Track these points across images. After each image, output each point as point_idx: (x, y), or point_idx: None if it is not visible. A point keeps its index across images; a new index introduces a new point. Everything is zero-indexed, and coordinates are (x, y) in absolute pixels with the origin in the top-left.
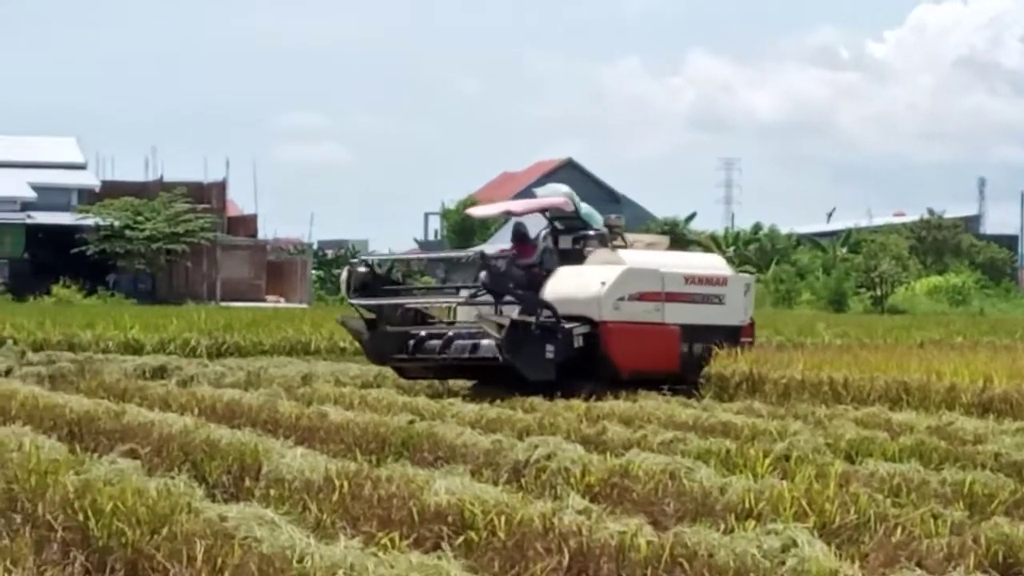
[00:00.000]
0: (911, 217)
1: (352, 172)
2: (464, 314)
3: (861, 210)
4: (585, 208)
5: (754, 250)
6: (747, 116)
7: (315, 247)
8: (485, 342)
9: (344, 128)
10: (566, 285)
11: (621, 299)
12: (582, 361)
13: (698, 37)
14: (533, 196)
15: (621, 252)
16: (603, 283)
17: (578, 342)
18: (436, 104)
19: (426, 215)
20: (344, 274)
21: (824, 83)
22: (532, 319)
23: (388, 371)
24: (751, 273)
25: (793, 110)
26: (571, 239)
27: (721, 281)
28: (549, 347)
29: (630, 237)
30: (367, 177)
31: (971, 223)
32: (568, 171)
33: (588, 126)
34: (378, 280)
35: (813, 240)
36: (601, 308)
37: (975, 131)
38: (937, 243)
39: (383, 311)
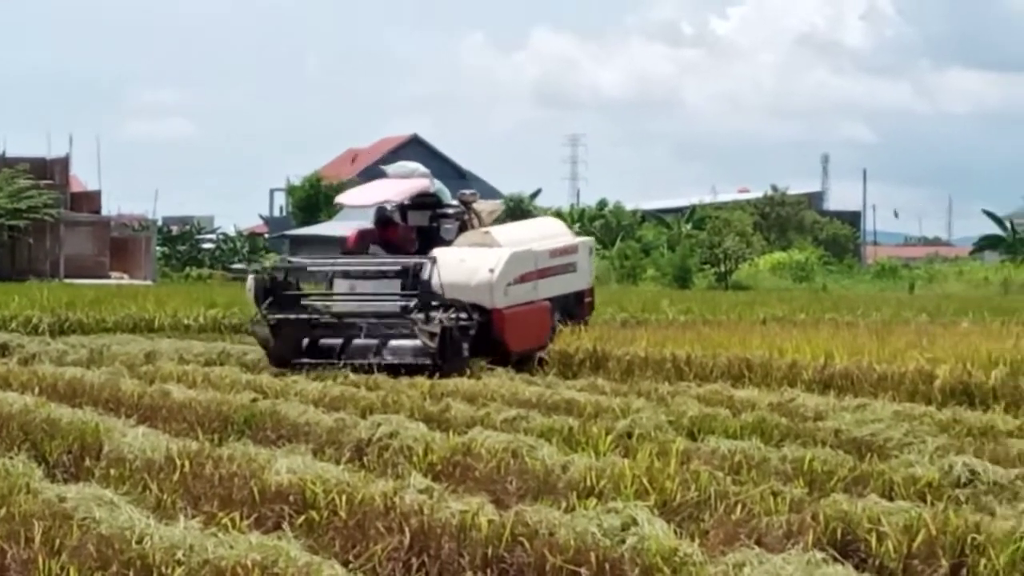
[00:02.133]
0: (755, 194)
1: (197, 148)
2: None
3: (706, 187)
4: (438, 185)
5: (599, 227)
6: (592, 93)
7: (159, 223)
8: (396, 343)
9: (189, 104)
10: (452, 272)
11: (509, 284)
12: (475, 346)
13: (542, 13)
14: (384, 175)
15: (494, 233)
16: (491, 270)
17: (474, 330)
18: (282, 80)
19: (271, 191)
20: (250, 283)
21: (668, 60)
22: (456, 322)
23: (231, 349)
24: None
25: (638, 87)
26: (427, 217)
27: (573, 249)
28: (465, 344)
29: (476, 207)
30: (213, 153)
31: (814, 200)
32: (414, 147)
33: (433, 103)
34: (278, 286)
35: (658, 216)
36: (493, 295)
37: (818, 109)
38: (781, 219)
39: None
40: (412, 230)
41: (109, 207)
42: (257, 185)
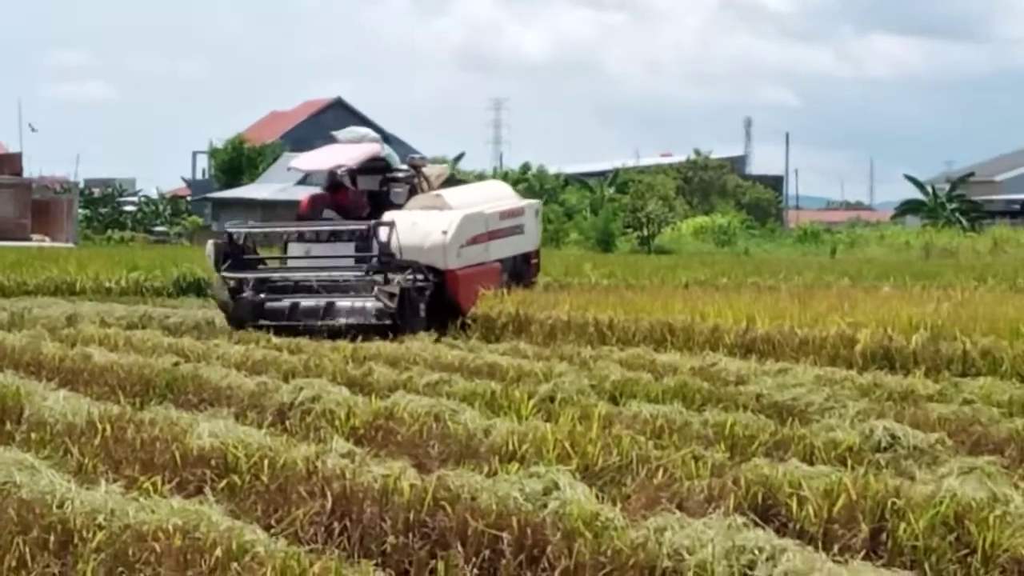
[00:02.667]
0: (678, 158)
1: (119, 111)
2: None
3: (629, 150)
4: (388, 149)
5: (523, 190)
6: (515, 56)
7: (81, 186)
8: (356, 304)
9: (111, 67)
10: (406, 234)
11: (462, 246)
12: (429, 305)
13: None
14: (333, 140)
15: (445, 196)
16: (445, 232)
17: (430, 291)
18: (204, 43)
19: (194, 154)
20: (210, 248)
21: (591, 23)
22: (414, 283)
23: (153, 312)
24: None
25: (561, 50)
26: (377, 182)
27: (521, 211)
28: (421, 304)
29: (424, 170)
30: (134, 116)
31: (737, 164)
32: (337, 110)
33: (357, 66)
34: (236, 249)
35: (581, 180)
36: (447, 257)
37: (741, 73)
38: (703, 184)
39: (241, 280)
40: (363, 194)
41: (30, 169)
42: (179, 148)
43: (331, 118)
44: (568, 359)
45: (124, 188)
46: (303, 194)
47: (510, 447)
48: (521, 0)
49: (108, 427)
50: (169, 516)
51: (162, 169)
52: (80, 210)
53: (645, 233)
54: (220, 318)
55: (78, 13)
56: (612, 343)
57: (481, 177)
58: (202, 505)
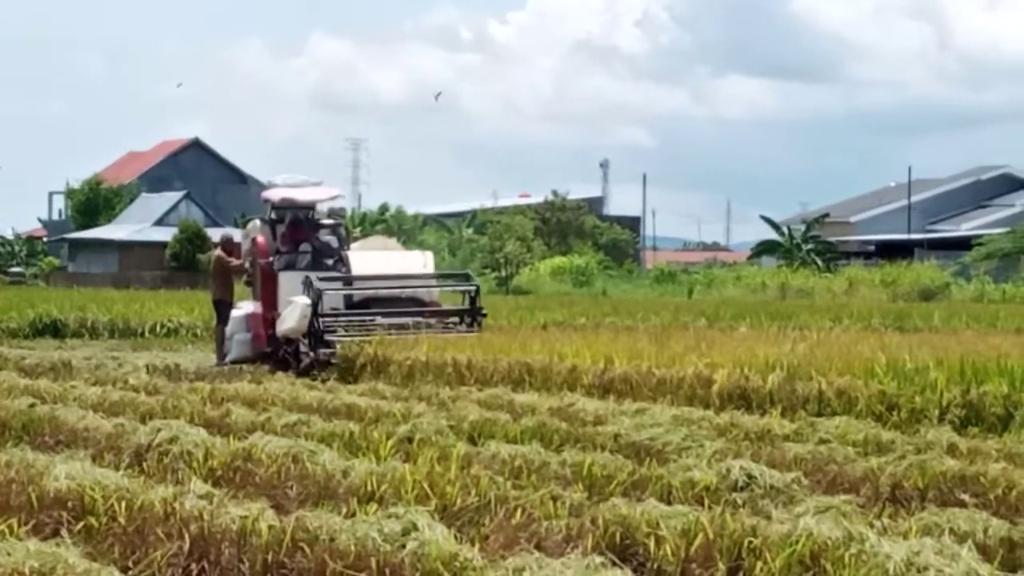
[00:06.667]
0: (536, 199)
1: None
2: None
3: (487, 192)
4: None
5: (381, 231)
6: (372, 97)
7: None
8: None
9: None
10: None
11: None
12: None
13: (319, 19)
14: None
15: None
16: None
17: None
18: (60, 82)
19: (50, 194)
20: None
21: (447, 64)
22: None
23: (9, 353)
24: None
25: (417, 91)
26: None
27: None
28: None
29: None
30: None
31: (595, 204)
32: (195, 151)
33: (212, 107)
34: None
35: (439, 221)
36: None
37: (597, 114)
38: (561, 224)
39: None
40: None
41: None
42: (36, 188)
43: (188, 158)
44: (427, 400)
45: None
46: (158, 235)
47: (369, 488)
48: (376, 40)
49: None
50: (25, 559)
51: (18, 210)
52: None
53: (503, 274)
54: (78, 359)
55: None
56: (471, 383)
57: None
58: (59, 547)
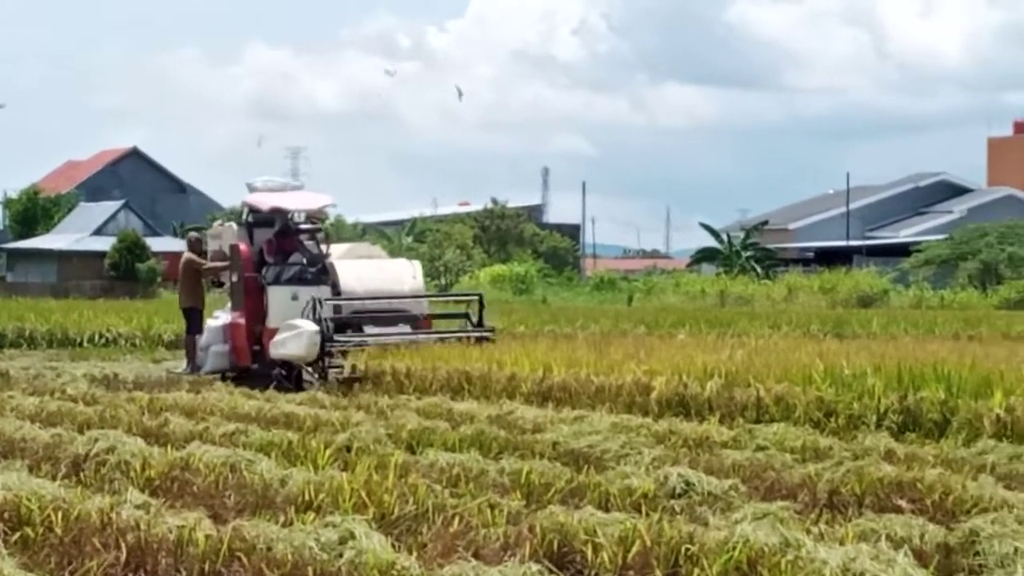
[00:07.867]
0: (476, 207)
1: None
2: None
3: (427, 200)
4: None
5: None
6: (310, 105)
7: None
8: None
9: None
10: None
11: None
12: None
13: (256, 27)
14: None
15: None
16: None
17: None
18: None
19: None
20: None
21: (384, 72)
22: None
23: None
24: None
25: (355, 99)
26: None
27: None
28: None
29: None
30: None
31: (534, 212)
32: (134, 160)
33: (151, 114)
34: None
35: (379, 230)
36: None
37: (536, 122)
38: (501, 232)
39: None
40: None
41: None
42: None
43: (127, 167)
44: (365, 408)
45: None
46: (97, 244)
47: (306, 497)
48: (314, 49)
49: None
50: None
51: None
52: None
53: (443, 282)
54: (16, 369)
55: None
56: (410, 392)
57: None
58: None
